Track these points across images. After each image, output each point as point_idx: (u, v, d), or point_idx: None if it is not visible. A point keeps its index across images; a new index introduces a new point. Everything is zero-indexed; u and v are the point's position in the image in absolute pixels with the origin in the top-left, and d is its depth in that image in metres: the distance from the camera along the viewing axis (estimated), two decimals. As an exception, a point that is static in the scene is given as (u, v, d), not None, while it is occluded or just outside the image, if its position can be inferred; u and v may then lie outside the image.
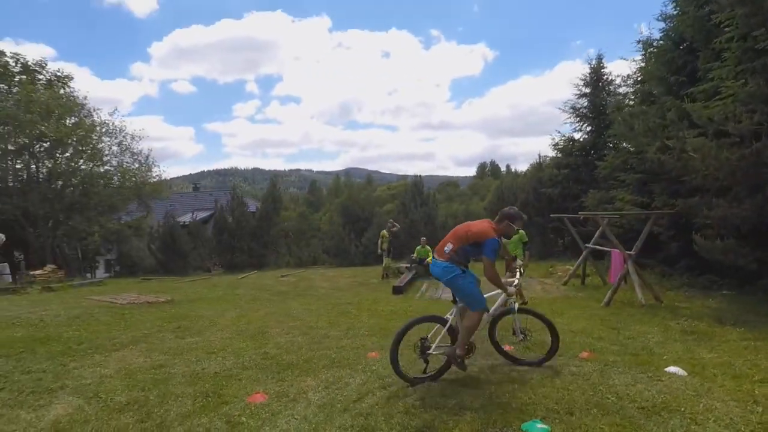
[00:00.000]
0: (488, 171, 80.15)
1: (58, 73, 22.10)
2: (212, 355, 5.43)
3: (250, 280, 15.38)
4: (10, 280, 14.36)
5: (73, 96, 21.69)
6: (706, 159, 6.37)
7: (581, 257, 10.49)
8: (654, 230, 9.81)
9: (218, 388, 4.14)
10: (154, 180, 22.83)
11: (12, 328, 7.20)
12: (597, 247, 9.90)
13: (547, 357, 4.26)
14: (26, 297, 11.44)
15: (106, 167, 21.90)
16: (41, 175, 20.95)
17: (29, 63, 21.04)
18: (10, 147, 20.25)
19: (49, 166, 21.12)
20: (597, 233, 9.55)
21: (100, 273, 23.52)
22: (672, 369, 4.14)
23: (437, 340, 3.94)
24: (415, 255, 13.87)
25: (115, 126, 22.19)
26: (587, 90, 17.02)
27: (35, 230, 19.72)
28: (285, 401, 3.74)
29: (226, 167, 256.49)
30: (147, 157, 22.73)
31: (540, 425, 2.96)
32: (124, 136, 22.29)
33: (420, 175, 24.21)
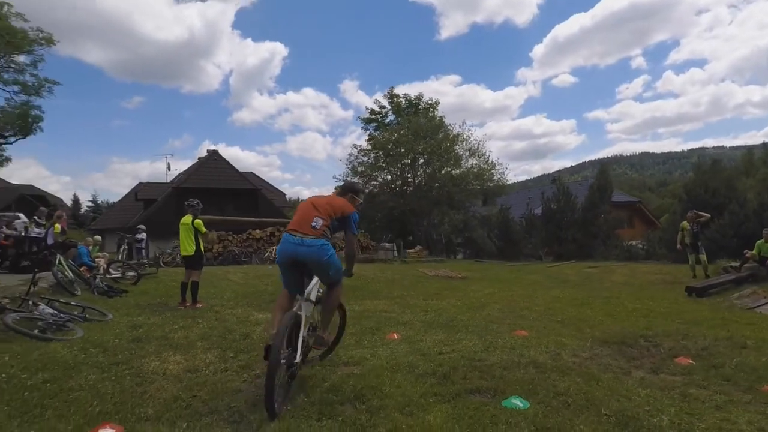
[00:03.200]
0: None
1: (429, 101, 29.04)
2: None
3: (555, 269, 15.57)
4: (394, 256, 20.65)
5: (437, 117, 27.94)
6: None
7: None
8: None
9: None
10: (495, 181, 26.18)
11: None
12: None
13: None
14: (386, 265, 16.53)
15: (461, 170, 26.87)
16: (421, 180, 28.19)
17: (411, 98, 28.80)
18: (405, 161, 28.48)
19: (428, 172, 28.13)
20: None
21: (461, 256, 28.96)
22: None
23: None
24: (754, 251, 10.18)
25: (464, 136, 26.89)
26: None
27: (415, 221, 26.93)
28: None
29: (609, 155, 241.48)
30: (488, 159, 26.30)
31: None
32: (471, 143, 26.68)
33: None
